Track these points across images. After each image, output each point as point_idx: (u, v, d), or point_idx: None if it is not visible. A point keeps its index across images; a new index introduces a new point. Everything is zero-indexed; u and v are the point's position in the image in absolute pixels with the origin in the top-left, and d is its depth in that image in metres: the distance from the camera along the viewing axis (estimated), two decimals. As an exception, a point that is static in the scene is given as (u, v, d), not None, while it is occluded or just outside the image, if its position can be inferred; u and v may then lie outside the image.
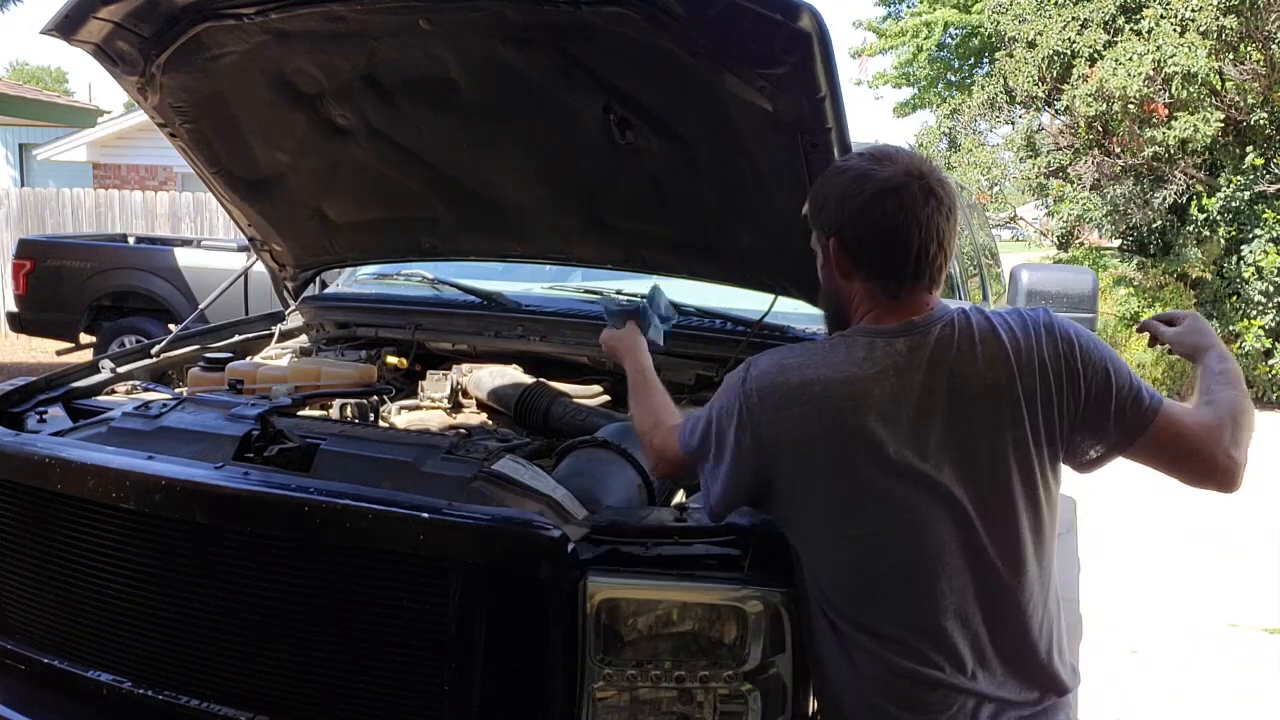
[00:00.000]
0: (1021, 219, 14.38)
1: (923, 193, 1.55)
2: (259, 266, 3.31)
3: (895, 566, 1.54)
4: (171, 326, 6.48)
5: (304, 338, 3.30)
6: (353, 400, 2.65)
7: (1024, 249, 16.58)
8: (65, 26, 2.34)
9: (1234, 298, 10.31)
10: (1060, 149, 11.82)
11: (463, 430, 2.59)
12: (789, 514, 1.62)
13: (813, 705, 1.75)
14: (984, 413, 1.54)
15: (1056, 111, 11.84)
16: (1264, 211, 10.00)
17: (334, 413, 2.61)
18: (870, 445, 1.51)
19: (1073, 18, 11.02)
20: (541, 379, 2.80)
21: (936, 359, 1.54)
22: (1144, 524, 6.19)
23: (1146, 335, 1.97)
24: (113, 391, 2.71)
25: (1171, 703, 4.00)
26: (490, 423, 2.79)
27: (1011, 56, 11.95)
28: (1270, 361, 9.94)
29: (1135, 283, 10.77)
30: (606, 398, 2.86)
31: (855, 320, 1.64)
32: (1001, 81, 12.29)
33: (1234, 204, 10.16)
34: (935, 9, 19.04)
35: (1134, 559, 5.64)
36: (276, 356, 3.09)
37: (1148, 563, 5.61)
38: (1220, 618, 4.89)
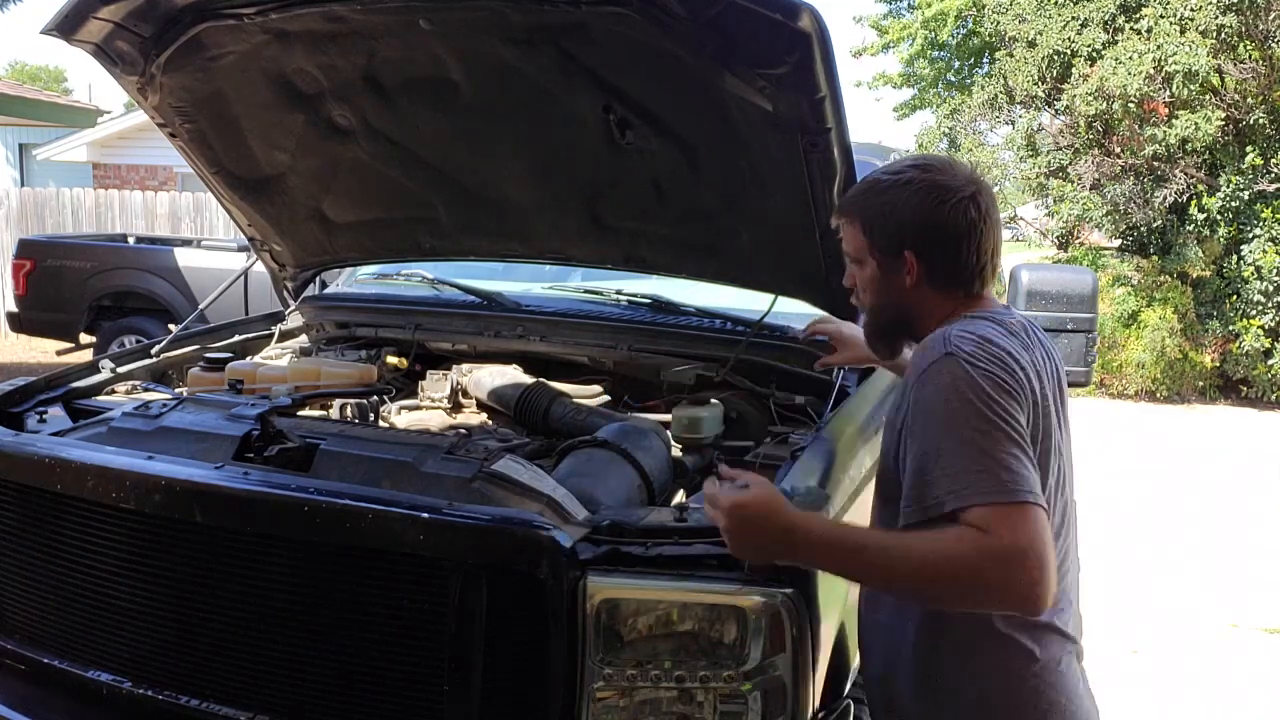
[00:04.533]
0: (1021, 219, 14.36)
1: (988, 197, 1.63)
2: (259, 266, 3.31)
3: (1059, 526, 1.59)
4: (171, 326, 6.49)
5: (304, 338, 3.29)
6: (353, 400, 2.65)
7: (1024, 249, 16.56)
8: (65, 26, 2.34)
9: (1234, 297, 10.31)
10: (1060, 149, 11.82)
11: (463, 430, 2.59)
12: None
13: (813, 704, 1.74)
14: (1053, 391, 1.59)
15: (1056, 111, 11.84)
16: (1264, 211, 10.01)
17: (334, 413, 2.61)
18: (1053, 410, 1.57)
19: (1073, 17, 11.03)
20: (541, 379, 2.80)
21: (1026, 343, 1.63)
22: (1144, 524, 6.19)
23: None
24: (113, 391, 2.70)
25: (1171, 703, 4.00)
26: (490, 423, 2.78)
27: (1011, 56, 11.96)
28: (1270, 361, 9.93)
29: (1134, 282, 10.77)
30: (606, 398, 2.86)
31: (932, 325, 1.62)
32: (1001, 81, 12.29)
33: (1234, 203, 10.17)
34: None
35: (1134, 559, 5.64)
36: (276, 356, 3.09)
37: (1148, 563, 5.61)
38: (1220, 618, 4.89)
